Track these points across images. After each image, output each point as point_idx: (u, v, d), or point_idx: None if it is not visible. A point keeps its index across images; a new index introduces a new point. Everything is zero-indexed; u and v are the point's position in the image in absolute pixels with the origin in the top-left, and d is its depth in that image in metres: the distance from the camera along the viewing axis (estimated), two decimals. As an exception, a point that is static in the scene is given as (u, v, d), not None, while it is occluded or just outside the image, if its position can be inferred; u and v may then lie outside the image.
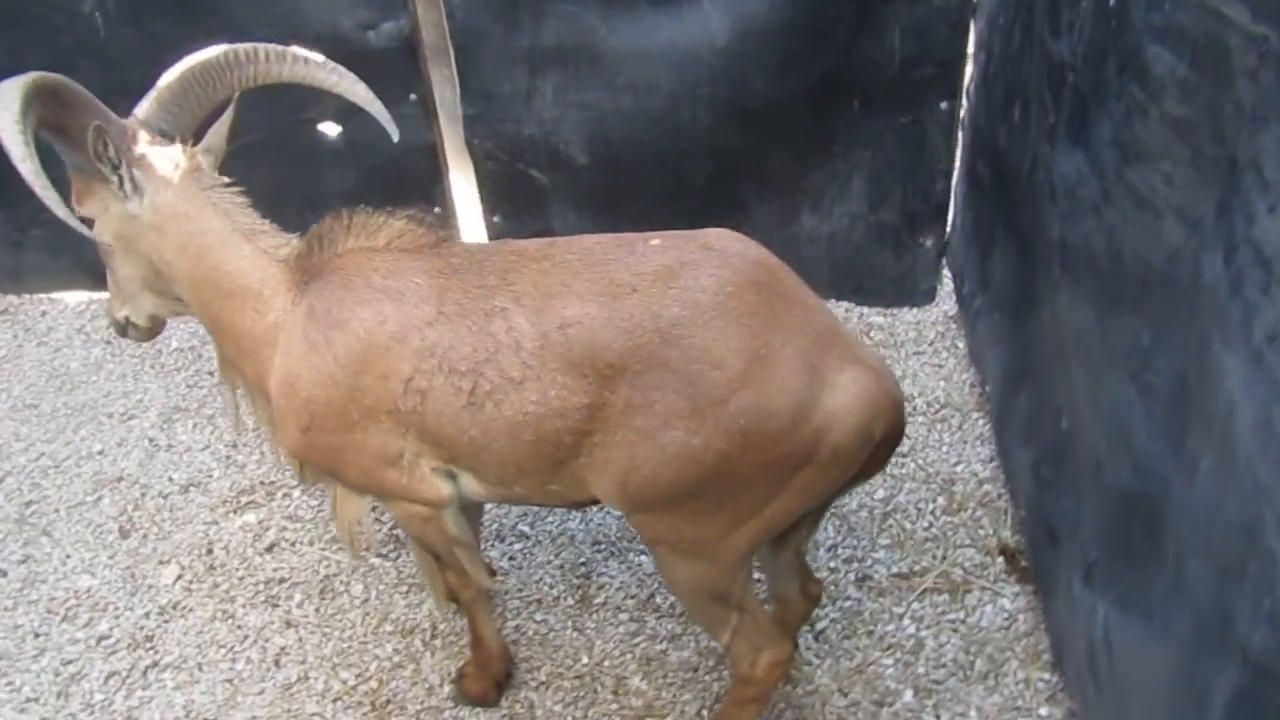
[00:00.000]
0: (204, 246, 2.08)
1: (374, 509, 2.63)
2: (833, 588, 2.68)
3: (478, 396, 1.89)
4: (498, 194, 3.67)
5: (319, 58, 2.32)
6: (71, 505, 3.14)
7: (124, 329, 2.32)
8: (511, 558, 2.88)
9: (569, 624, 2.69)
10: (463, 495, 2.10)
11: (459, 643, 2.63)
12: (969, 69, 3.33)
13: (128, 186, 2.01)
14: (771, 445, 1.80)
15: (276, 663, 2.64)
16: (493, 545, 2.90)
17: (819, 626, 2.61)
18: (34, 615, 2.83)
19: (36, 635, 2.77)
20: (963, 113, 3.40)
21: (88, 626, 2.78)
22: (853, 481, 2.02)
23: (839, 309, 3.71)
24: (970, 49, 3.29)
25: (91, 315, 3.96)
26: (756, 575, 2.52)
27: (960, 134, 3.45)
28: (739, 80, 3.29)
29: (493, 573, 2.73)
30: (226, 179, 2.16)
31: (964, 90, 3.36)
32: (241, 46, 2.20)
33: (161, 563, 2.93)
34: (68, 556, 2.97)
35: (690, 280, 1.83)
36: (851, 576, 2.74)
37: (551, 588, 2.78)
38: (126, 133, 2.04)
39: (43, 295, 4.10)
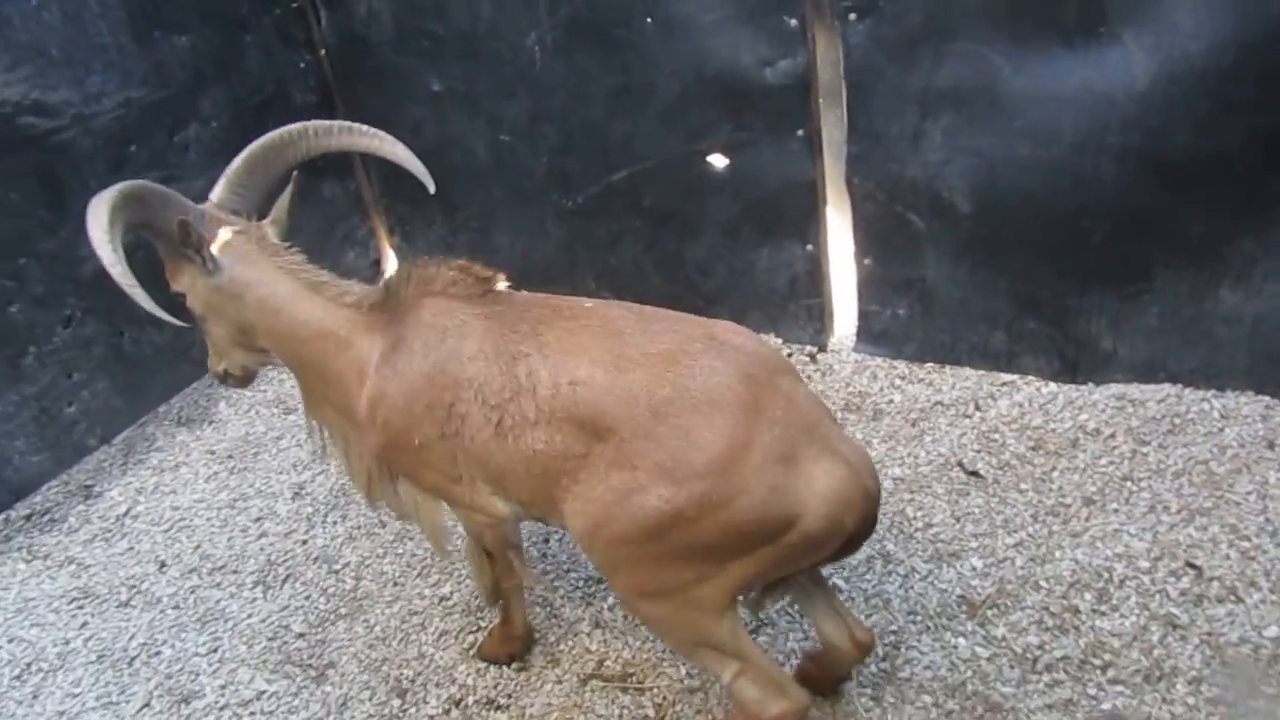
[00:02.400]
0: (278, 305, 2.39)
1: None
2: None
3: (503, 429, 2.14)
4: (871, 236, 3.60)
5: (362, 127, 2.63)
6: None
7: (224, 379, 2.67)
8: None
9: (869, 693, 2.54)
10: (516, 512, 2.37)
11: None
12: None
13: (210, 264, 2.34)
14: (739, 521, 1.92)
15: (579, 661, 2.77)
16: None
17: None
18: (397, 566, 3.21)
19: (395, 584, 3.14)
20: None
21: (435, 586, 3.10)
22: (826, 561, 2.14)
23: (1240, 407, 3.21)
24: None
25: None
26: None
27: None
28: (1159, 130, 2.96)
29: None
30: (288, 244, 2.46)
31: None
32: (292, 127, 2.54)
33: (535, 581, 3.19)
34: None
35: (686, 367, 2.01)
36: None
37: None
38: (205, 218, 2.39)
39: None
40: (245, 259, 2.38)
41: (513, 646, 2.78)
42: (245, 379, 2.70)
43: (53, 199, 3.51)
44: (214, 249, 2.36)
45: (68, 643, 3.12)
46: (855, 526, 2.01)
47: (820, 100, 3.50)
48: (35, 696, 2.94)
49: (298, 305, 2.39)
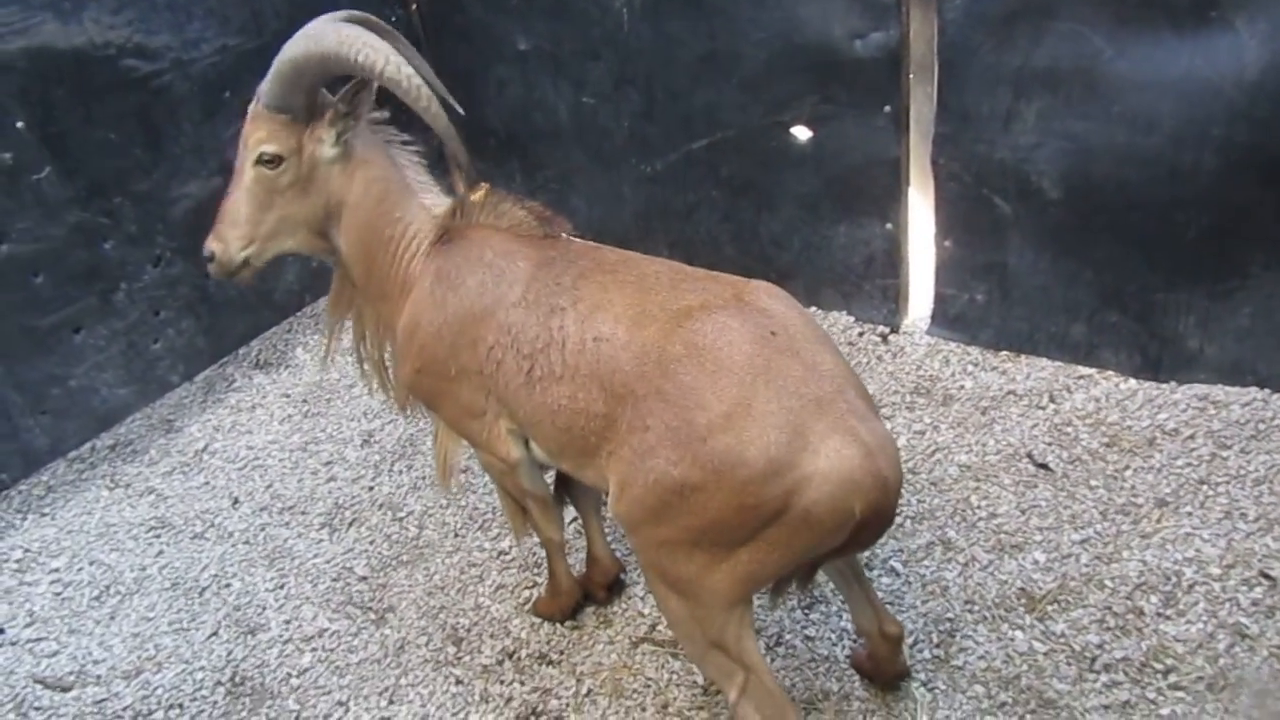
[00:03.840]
0: (384, 192, 2.35)
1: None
2: None
3: (532, 378, 2.16)
4: (954, 218, 3.52)
5: (426, 92, 2.18)
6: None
7: (235, 269, 2.37)
8: (879, 591, 2.77)
9: (920, 679, 2.52)
10: (536, 458, 2.37)
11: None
12: None
13: (347, 135, 2.27)
14: (741, 492, 1.84)
15: (631, 624, 2.80)
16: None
17: None
18: (459, 518, 3.28)
19: (456, 535, 3.21)
20: None
21: (495, 540, 3.16)
22: (841, 551, 2.00)
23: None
24: None
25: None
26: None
27: None
28: (1267, 123, 2.82)
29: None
30: (407, 136, 2.42)
31: None
32: (373, 53, 2.16)
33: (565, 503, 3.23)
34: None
35: (700, 325, 1.96)
36: None
37: (910, 634, 2.63)
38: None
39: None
40: (371, 141, 2.34)
41: (562, 603, 2.81)
42: (253, 275, 2.43)
43: (149, 141, 3.62)
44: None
45: (144, 569, 3.26)
46: (864, 514, 1.85)
47: (910, 76, 3.42)
48: (112, 618, 3.08)
49: (400, 198, 2.36)
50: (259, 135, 2.25)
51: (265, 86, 2.22)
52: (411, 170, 2.41)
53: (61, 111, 3.36)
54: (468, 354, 2.27)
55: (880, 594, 2.76)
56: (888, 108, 3.45)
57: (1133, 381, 3.38)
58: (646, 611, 2.82)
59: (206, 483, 3.64)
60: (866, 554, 2.87)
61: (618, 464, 2.02)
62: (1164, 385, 3.32)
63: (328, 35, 2.13)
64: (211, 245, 2.34)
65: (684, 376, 1.91)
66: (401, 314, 2.40)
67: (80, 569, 3.28)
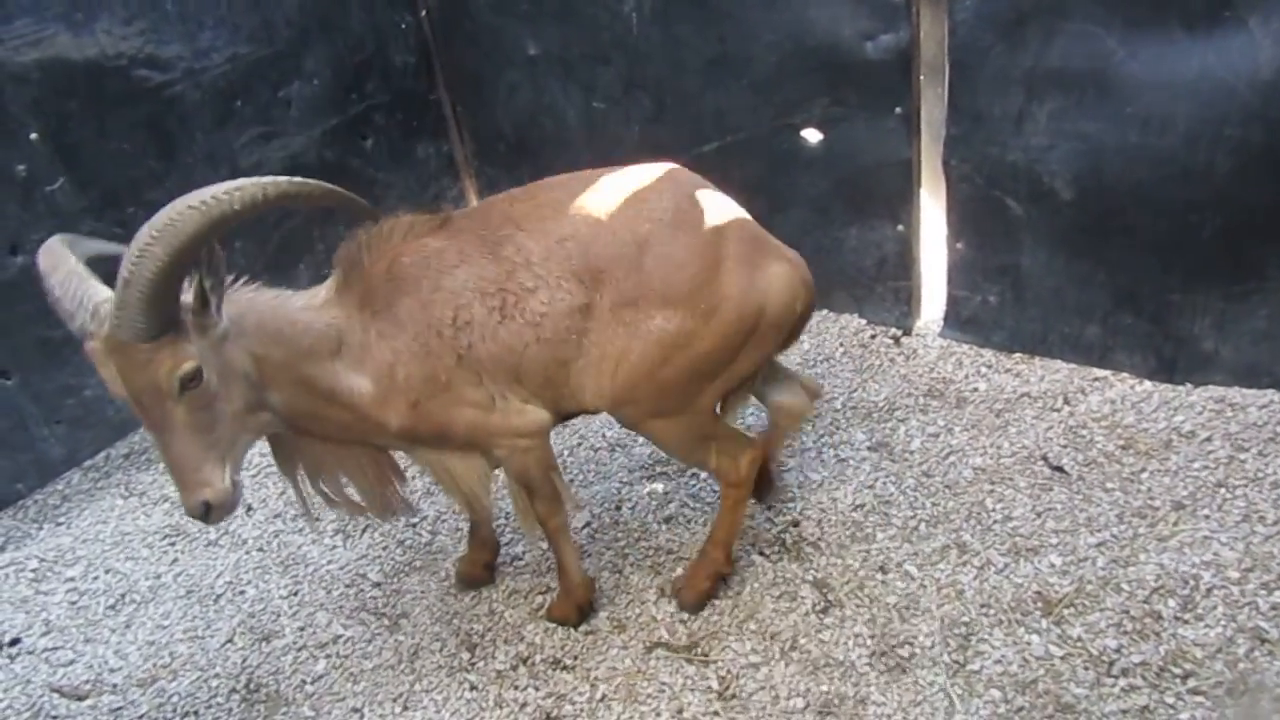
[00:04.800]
0: (276, 316, 2.21)
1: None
2: None
3: (506, 309, 2.30)
4: (966, 219, 3.50)
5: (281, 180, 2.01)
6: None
7: (205, 511, 2.10)
8: (894, 595, 2.75)
9: (937, 683, 2.51)
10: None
11: (822, 660, 2.59)
12: None
13: (217, 310, 2.04)
14: (728, 326, 2.35)
15: (645, 629, 2.79)
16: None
17: None
18: (478, 524, 3.29)
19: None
20: None
21: (508, 545, 3.17)
22: (781, 346, 2.63)
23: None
24: None
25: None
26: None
27: None
28: (1281, 123, 2.81)
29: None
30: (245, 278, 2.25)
31: None
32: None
33: (579, 507, 3.23)
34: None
35: (654, 204, 2.36)
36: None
37: (927, 637, 2.61)
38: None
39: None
40: (227, 300, 2.11)
41: (577, 599, 2.80)
42: (229, 505, 2.16)
43: (162, 150, 3.63)
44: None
45: (159, 577, 3.27)
46: (802, 310, 2.51)
47: (921, 77, 3.41)
48: (128, 625, 3.09)
49: (289, 317, 2.23)
50: (165, 367, 1.97)
51: (126, 321, 1.90)
52: (271, 293, 2.28)
53: (75, 123, 3.38)
54: (441, 347, 2.30)
55: (894, 597, 2.76)
56: (899, 109, 3.44)
57: (1148, 383, 3.36)
58: (659, 616, 2.81)
59: (220, 490, 3.65)
60: (881, 558, 2.87)
61: (607, 347, 2.35)
62: (1180, 387, 3.30)
63: (179, 220, 1.86)
64: (197, 499, 2.08)
65: (659, 248, 2.32)
66: (365, 391, 2.31)
67: (96, 577, 3.30)
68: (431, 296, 2.30)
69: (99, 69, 3.40)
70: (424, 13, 4.48)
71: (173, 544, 3.41)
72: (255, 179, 1.95)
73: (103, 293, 2.05)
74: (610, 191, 2.39)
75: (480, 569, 3.01)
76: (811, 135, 3.66)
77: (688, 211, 2.37)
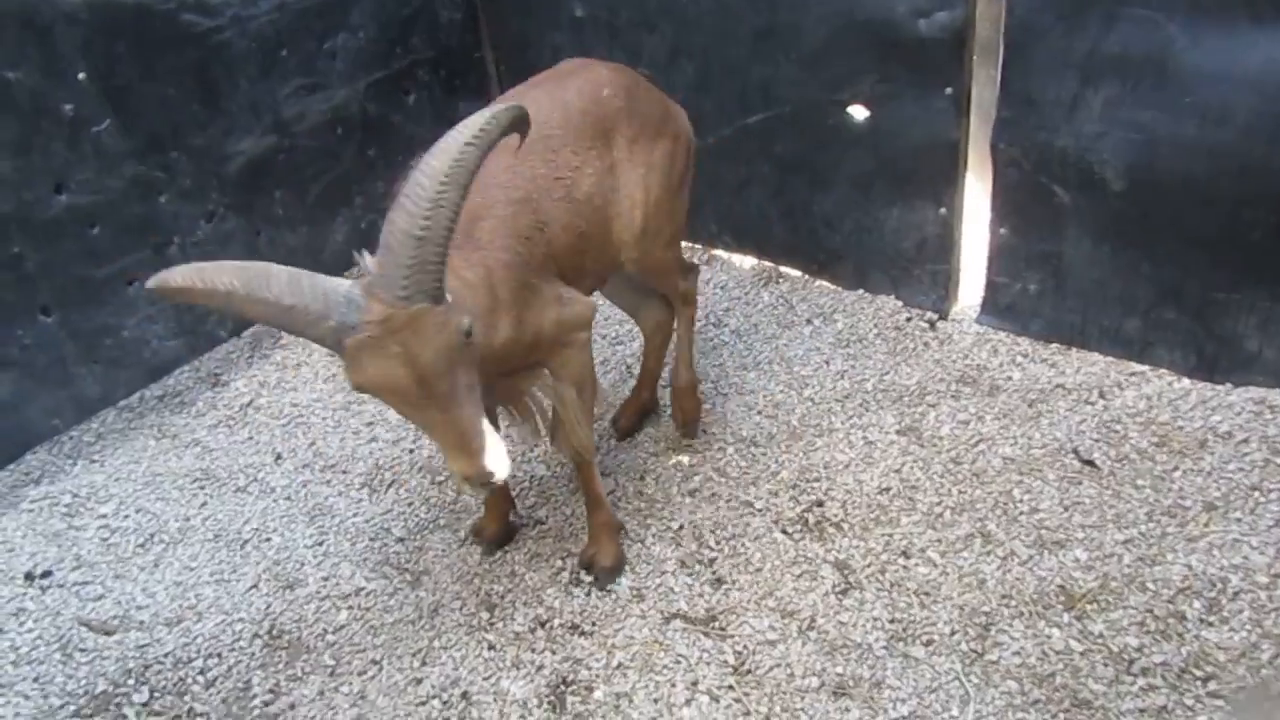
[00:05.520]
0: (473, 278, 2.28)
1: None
2: None
3: (570, 189, 2.57)
4: (1011, 205, 3.44)
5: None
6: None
7: (487, 478, 2.01)
8: (913, 581, 2.74)
9: (956, 670, 2.50)
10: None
11: (855, 620, 2.59)
12: None
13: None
14: (686, 141, 2.96)
15: (664, 599, 2.80)
16: (907, 559, 2.80)
17: None
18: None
19: (501, 503, 3.23)
20: None
21: (531, 509, 3.20)
22: None
23: None
24: None
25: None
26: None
27: None
28: (1346, 122, 2.73)
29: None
30: None
31: None
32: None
33: (605, 474, 3.23)
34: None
35: (620, 72, 2.85)
36: None
37: (946, 624, 2.60)
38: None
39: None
40: None
41: (614, 532, 2.91)
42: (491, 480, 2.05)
43: (206, 96, 3.64)
44: None
45: (188, 519, 3.32)
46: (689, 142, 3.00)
47: (974, 58, 3.34)
48: (156, 565, 3.15)
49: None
50: (453, 326, 1.89)
51: (424, 284, 1.82)
52: None
53: (122, 65, 3.38)
54: (530, 249, 2.44)
55: (915, 583, 2.75)
56: (949, 89, 3.38)
57: (1186, 381, 3.31)
58: (678, 589, 2.82)
59: (251, 437, 3.69)
60: (905, 543, 2.86)
61: (634, 191, 2.73)
62: (1219, 387, 3.24)
63: (464, 159, 1.82)
64: (486, 465, 1.97)
65: (639, 100, 2.78)
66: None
67: (127, 516, 3.35)
68: (506, 211, 2.41)
69: (148, 11, 3.40)
70: (471, -31, 4.44)
71: (202, 488, 3.46)
72: (487, 110, 1.89)
73: (340, 282, 1.90)
74: (582, 74, 2.79)
75: (500, 523, 3.04)
76: (858, 112, 3.61)
77: (631, 76, 2.87)
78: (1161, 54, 2.91)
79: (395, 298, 1.82)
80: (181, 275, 1.98)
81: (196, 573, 3.10)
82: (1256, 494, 2.86)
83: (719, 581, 2.85)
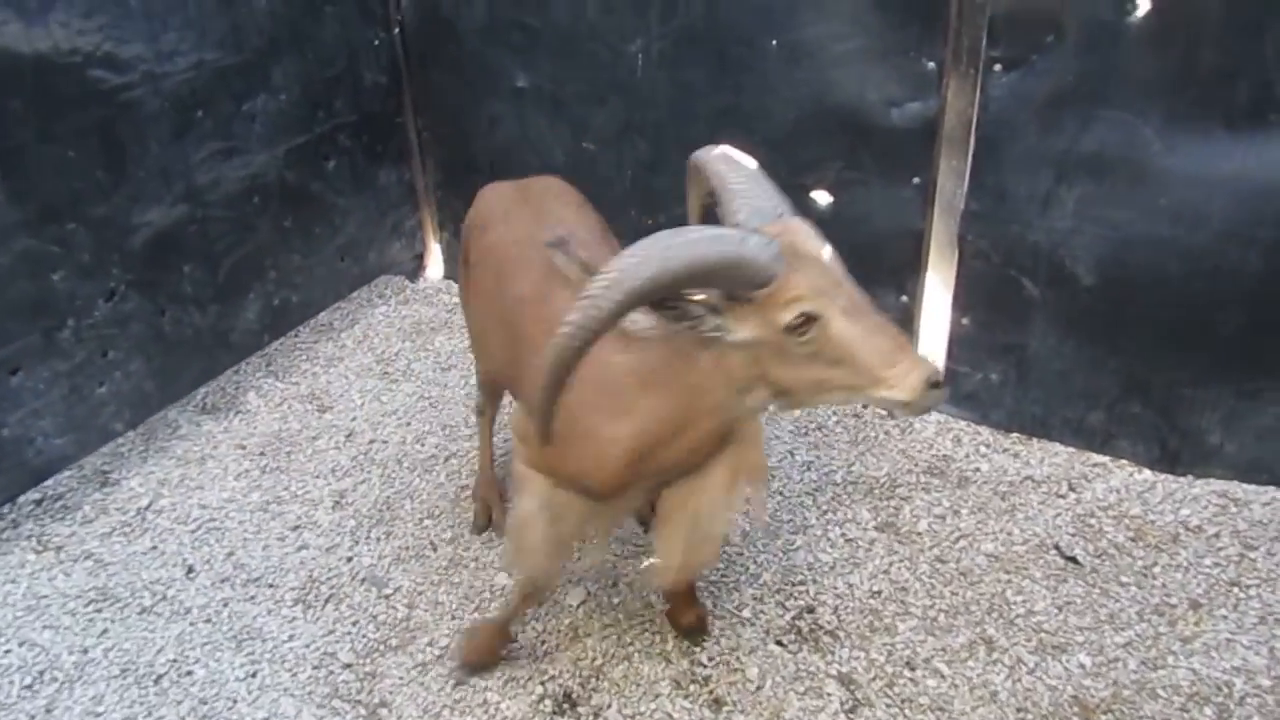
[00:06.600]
0: None
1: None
2: None
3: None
4: (976, 296, 3.43)
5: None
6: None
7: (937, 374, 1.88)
8: (924, 695, 2.61)
9: (998, 794, 2.37)
10: None
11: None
12: None
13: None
14: None
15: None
16: (916, 673, 2.66)
17: None
18: (454, 597, 2.98)
19: (452, 617, 2.89)
20: None
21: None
22: None
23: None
24: None
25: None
26: None
27: None
28: (1315, 229, 2.83)
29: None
30: None
31: None
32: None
33: (572, 581, 2.97)
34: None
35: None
36: None
37: None
38: None
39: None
40: None
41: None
42: None
43: (111, 161, 3.19)
44: None
45: (86, 651, 2.84)
46: None
47: (942, 150, 3.33)
48: (49, 710, 2.66)
49: None
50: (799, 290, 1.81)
51: (766, 261, 1.79)
52: None
53: (17, 124, 2.93)
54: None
55: (927, 698, 2.61)
56: (917, 180, 3.35)
57: (1148, 473, 3.34)
58: (676, 714, 2.58)
59: (154, 547, 3.22)
60: (907, 652, 2.72)
61: None
62: (1181, 479, 3.29)
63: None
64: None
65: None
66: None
67: (8, 650, 2.84)
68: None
69: (49, 65, 2.95)
70: (397, 30, 4.17)
71: (99, 611, 2.97)
72: None
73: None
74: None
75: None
76: (821, 197, 3.54)
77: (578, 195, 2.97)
78: (1138, 157, 2.95)
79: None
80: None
81: (104, 717, 2.63)
82: (1236, 590, 2.89)
83: (718, 703, 2.63)
